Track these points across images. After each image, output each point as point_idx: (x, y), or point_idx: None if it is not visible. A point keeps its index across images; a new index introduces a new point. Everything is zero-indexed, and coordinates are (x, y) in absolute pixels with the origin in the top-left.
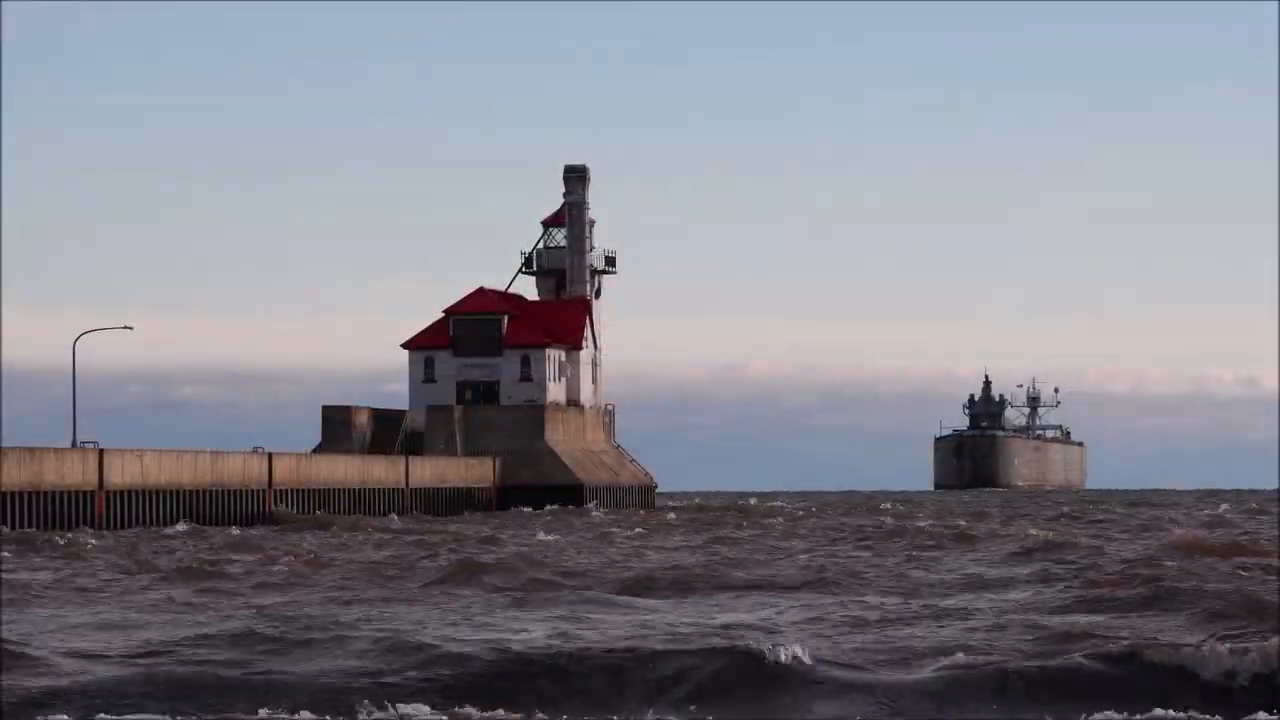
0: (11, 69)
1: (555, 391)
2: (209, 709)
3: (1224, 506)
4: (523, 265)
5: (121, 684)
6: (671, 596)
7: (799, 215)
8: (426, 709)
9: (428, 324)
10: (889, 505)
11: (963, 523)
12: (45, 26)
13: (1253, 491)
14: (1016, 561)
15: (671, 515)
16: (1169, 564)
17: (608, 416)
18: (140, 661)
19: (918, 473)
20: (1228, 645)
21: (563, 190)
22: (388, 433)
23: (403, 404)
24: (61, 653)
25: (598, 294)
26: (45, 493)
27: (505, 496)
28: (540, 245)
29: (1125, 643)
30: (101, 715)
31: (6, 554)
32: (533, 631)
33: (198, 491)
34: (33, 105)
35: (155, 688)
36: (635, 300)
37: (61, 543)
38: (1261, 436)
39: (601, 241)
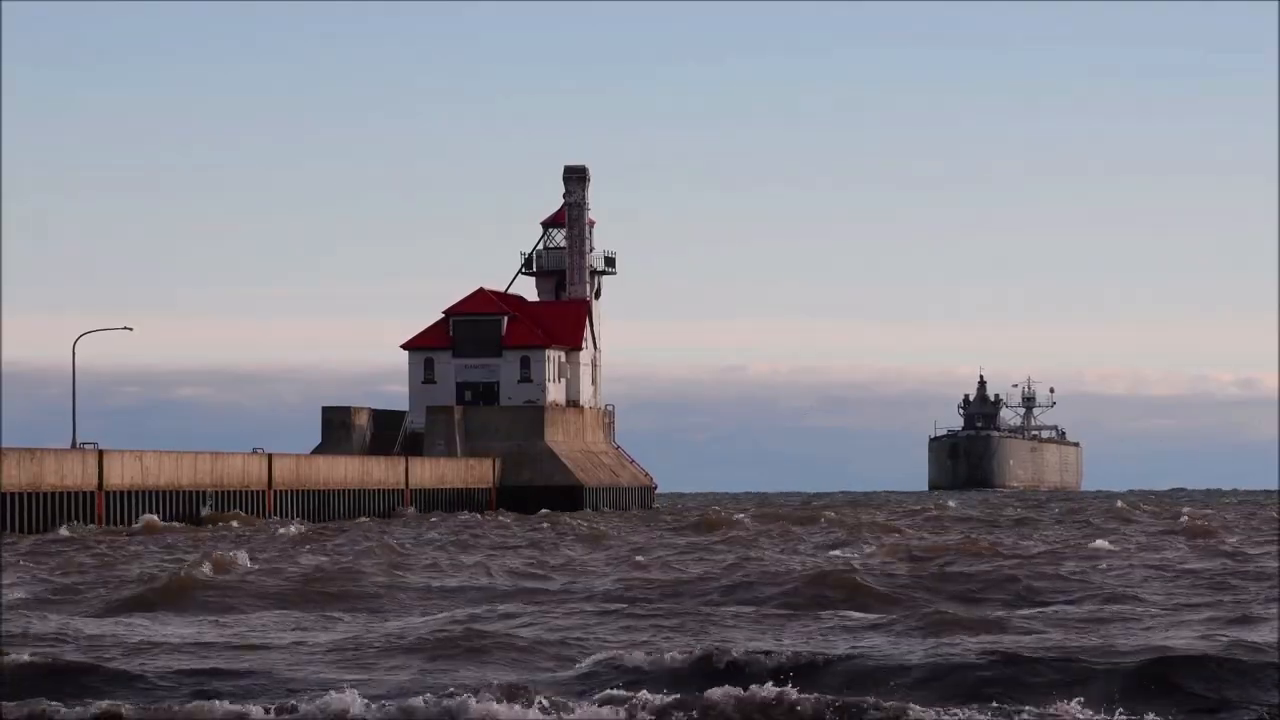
0: (11, 69)
1: (555, 392)
2: None
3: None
4: (523, 266)
5: None
6: None
7: (798, 216)
8: None
9: (428, 324)
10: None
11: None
12: (45, 26)
13: (1243, 493)
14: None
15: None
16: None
17: (607, 417)
18: None
19: (914, 473)
20: None
21: (563, 190)
22: (387, 433)
23: (402, 404)
24: None
25: (597, 295)
26: (45, 493)
27: (505, 497)
28: (540, 246)
29: None
30: None
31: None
32: None
33: (197, 492)
34: (33, 105)
35: None
36: (635, 301)
37: None
38: (1261, 437)
39: (601, 242)
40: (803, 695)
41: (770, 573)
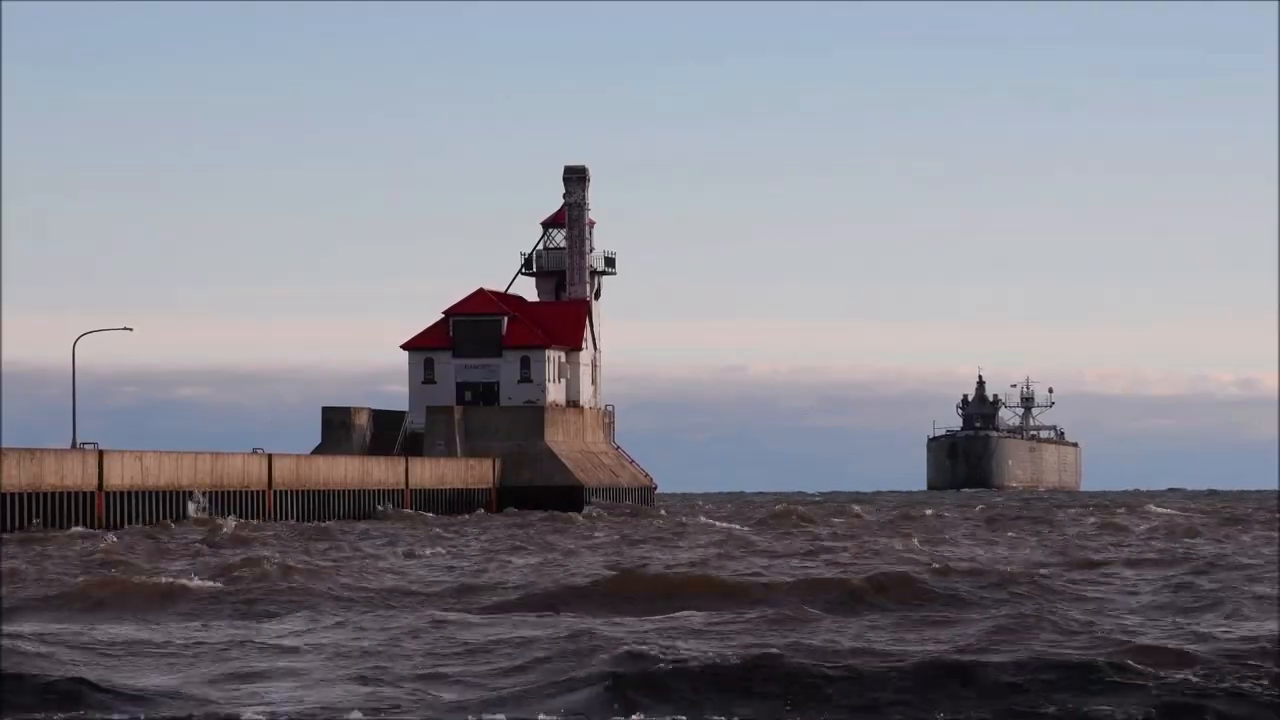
0: (11, 69)
1: (555, 392)
2: None
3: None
4: (522, 266)
5: None
6: None
7: (798, 215)
8: None
9: (427, 325)
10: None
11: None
12: (45, 26)
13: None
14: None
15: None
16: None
17: (607, 417)
18: None
19: (914, 473)
20: None
21: (563, 191)
22: (387, 433)
23: (402, 405)
24: None
25: (597, 295)
26: (45, 493)
27: (505, 497)
28: (540, 246)
29: None
30: None
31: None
32: None
33: (197, 493)
34: (33, 105)
35: None
36: (635, 301)
37: None
38: (1261, 437)
39: (601, 242)
40: None
41: None
